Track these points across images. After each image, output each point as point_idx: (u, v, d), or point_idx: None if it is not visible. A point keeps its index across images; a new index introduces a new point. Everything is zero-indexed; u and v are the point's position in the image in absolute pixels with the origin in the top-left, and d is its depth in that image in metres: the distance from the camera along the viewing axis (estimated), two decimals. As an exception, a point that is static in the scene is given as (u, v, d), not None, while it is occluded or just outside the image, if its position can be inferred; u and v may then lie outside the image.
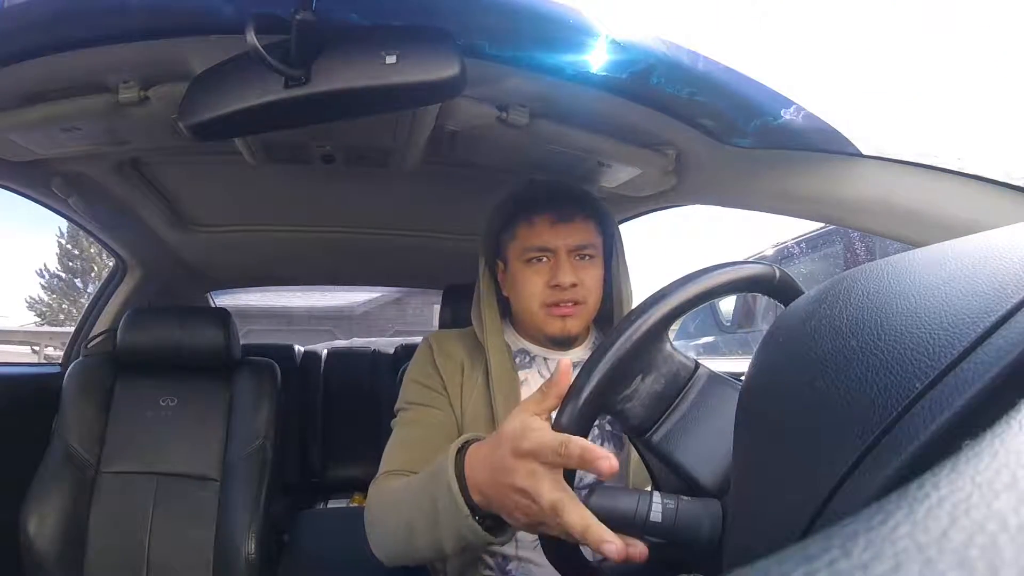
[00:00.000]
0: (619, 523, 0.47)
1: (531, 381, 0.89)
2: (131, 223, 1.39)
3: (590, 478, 0.83)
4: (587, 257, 0.87)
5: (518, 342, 0.93)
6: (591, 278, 0.86)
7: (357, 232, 1.55)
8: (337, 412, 2.06)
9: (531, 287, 0.86)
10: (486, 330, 0.89)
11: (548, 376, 0.87)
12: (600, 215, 0.90)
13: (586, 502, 0.48)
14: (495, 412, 0.84)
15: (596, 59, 0.72)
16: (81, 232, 1.50)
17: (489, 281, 0.93)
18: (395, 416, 0.91)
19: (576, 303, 0.85)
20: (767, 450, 0.34)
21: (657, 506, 0.46)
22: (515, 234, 0.87)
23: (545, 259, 0.86)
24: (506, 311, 0.96)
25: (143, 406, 1.33)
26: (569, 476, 0.51)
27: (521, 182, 0.98)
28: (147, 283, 1.64)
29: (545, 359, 0.91)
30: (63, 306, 12.83)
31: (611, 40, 0.67)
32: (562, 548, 0.53)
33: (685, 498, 0.47)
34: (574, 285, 0.84)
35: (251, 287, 2.36)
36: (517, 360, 0.91)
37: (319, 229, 1.54)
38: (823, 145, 0.78)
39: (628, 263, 0.93)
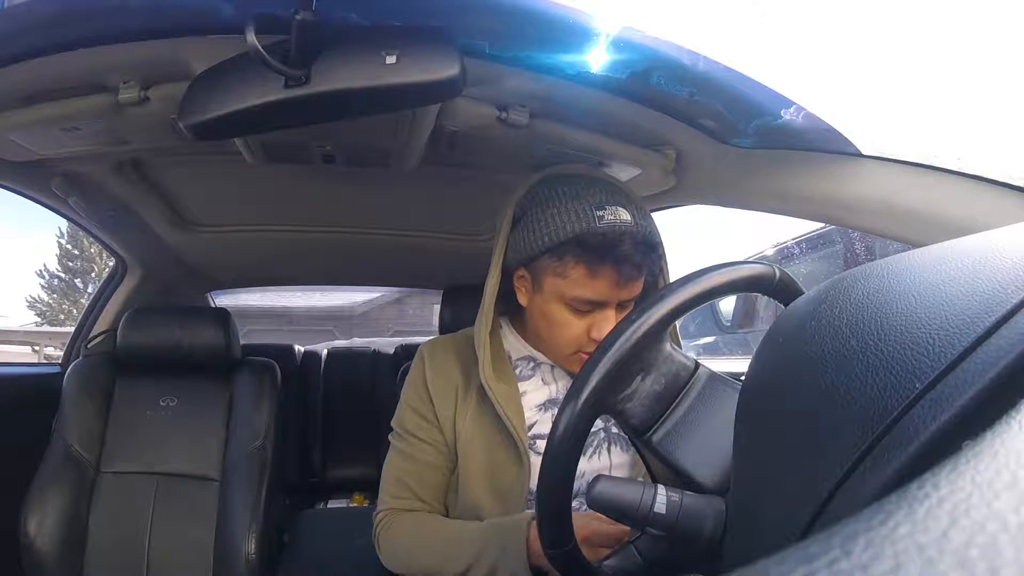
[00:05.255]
0: (622, 512, 0.47)
1: (531, 393, 0.86)
2: (131, 223, 1.39)
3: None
4: (630, 303, 0.80)
5: (523, 348, 0.88)
6: None
7: (357, 232, 1.55)
8: (337, 412, 2.06)
9: (570, 333, 0.79)
10: (484, 373, 0.82)
11: (550, 383, 0.87)
12: (657, 257, 0.81)
13: (591, 490, 0.48)
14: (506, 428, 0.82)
15: (596, 59, 0.72)
16: (81, 232, 1.50)
17: (495, 286, 0.84)
18: (392, 429, 0.92)
19: None
20: (767, 450, 0.34)
21: (662, 498, 0.46)
22: (565, 273, 0.76)
23: (591, 307, 0.78)
24: (511, 309, 0.90)
25: (143, 406, 1.33)
26: (569, 483, 0.52)
27: (575, 184, 0.79)
28: (147, 283, 1.64)
29: (551, 367, 0.87)
30: (63, 306, 12.83)
31: (611, 40, 0.67)
32: (566, 556, 0.54)
33: (690, 493, 0.47)
34: None
35: (251, 287, 2.36)
36: (518, 370, 0.87)
37: (319, 229, 1.54)
38: (823, 145, 0.78)
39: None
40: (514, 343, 0.89)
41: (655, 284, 0.84)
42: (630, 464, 0.86)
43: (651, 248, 0.78)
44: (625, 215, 0.75)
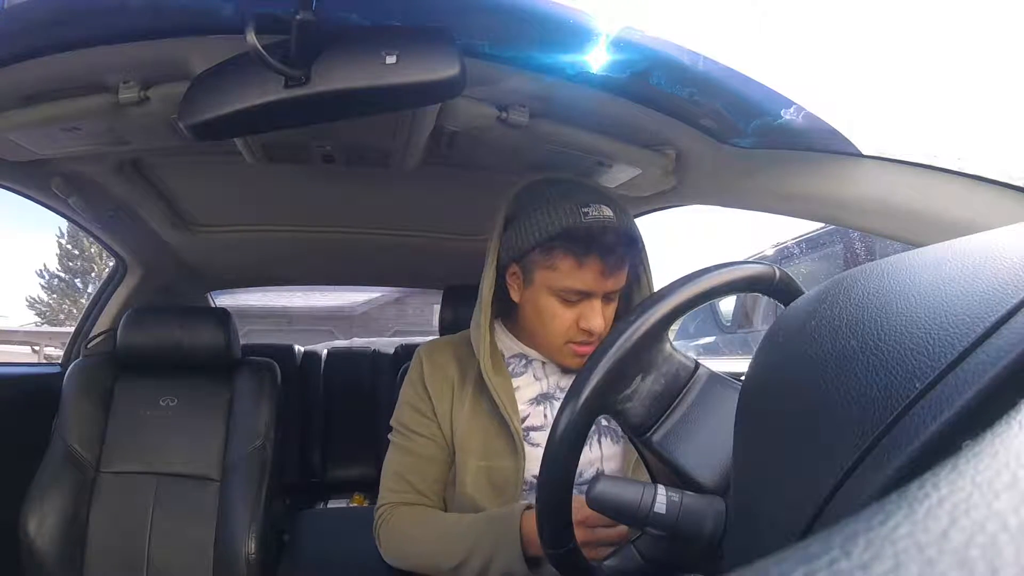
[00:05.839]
0: (622, 512, 0.47)
1: (524, 388, 0.89)
2: (131, 223, 1.39)
3: (589, 473, 0.86)
4: (614, 295, 0.85)
5: (515, 346, 0.92)
6: (611, 312, 0.85)
7: (357, 232, 1.55)
8: (337, 412, 2.06)
9: (560, 324, 0.84)
10: (483, 363, 0.86)
11: (542, 378, 0.90)
12: (638, 252, 0.87)
13: (591, 489, 0.48)
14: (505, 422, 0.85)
15: (596, 59, 0.72)
16: (81, 232, 1.50)
17: (492, 283, 0.88)
18: (392, 428, 0.94)
19: (597, 339, 0.84)
20: (767, 450, 0.34)
21: (662, 498, 0.46)
22: (554, 265, 0.81)
23: (579, 298, 0.83)
24: (503, 310, 0.94)
25: (143, 406, 1.33)
26: (569, 483, 0.53)
27: (561, 187, 0.85)
28: (147, 283, 1.64)
29: (543, 363, 0.91)
30: (63, 306, 12.84)
31: (611, 40, 0.67)
32: (566, 556, 0.54)
33: (690, 493, 0.47)
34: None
35: (251, 287, 2.36)
36: (511, 367, 0.91)
37: (319, 229, 1.54)
38: (823, 145, 0.78)
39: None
40: (507, 342, 0.93)
41: (638, 279, 0.90)
42: (621, 455, 0.88)
43: (632, 242, 0.84)
44: (608, 212, 0.82)
